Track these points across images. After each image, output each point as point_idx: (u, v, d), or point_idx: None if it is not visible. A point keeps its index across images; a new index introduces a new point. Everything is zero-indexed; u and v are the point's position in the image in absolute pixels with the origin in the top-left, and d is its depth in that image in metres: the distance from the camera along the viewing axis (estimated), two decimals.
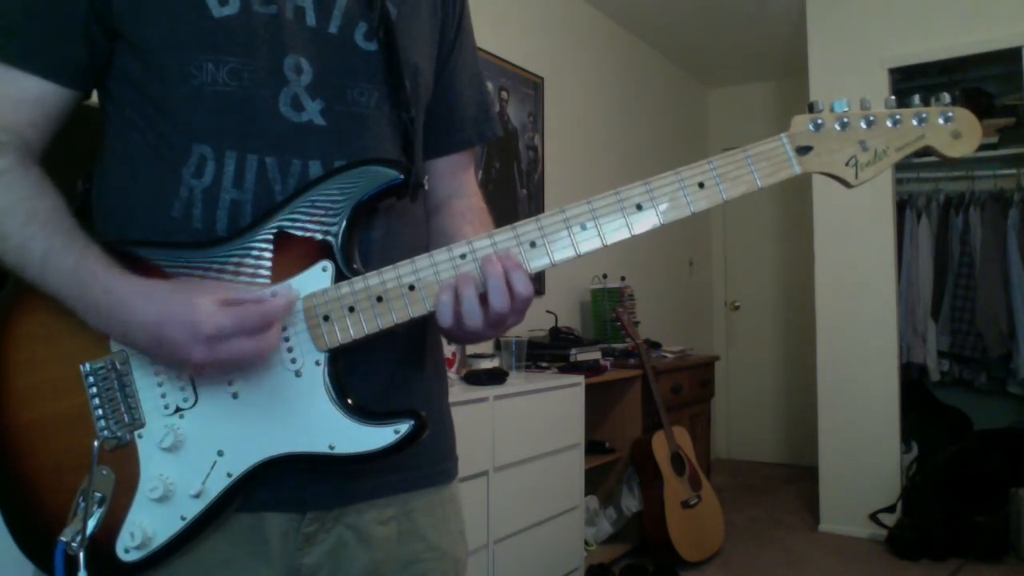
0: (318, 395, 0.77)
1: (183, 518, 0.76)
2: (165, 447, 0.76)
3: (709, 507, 3.47)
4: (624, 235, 0.78)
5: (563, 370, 3.12)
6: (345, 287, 0.78)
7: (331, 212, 0.79)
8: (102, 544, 0.75)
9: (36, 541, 0.78)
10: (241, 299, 0.73)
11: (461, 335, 0.81)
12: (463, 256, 0.78)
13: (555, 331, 3.46)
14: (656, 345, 4.11)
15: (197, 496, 0.76)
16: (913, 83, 4.14)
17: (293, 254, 0.79)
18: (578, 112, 4.14)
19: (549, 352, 3.24)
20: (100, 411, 0.77)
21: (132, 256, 0.77)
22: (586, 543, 3.12)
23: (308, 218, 0.79)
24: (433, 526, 0.93)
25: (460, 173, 1.05)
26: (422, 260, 0.79)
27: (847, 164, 0.78)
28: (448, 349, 2.60)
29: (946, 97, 0.77)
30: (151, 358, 0.76)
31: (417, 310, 0.78)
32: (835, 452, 3.89)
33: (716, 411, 4.83)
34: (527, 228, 0.78)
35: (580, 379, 2.94)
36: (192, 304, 0.71)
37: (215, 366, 0.73)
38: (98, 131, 0.87)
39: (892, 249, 3.79)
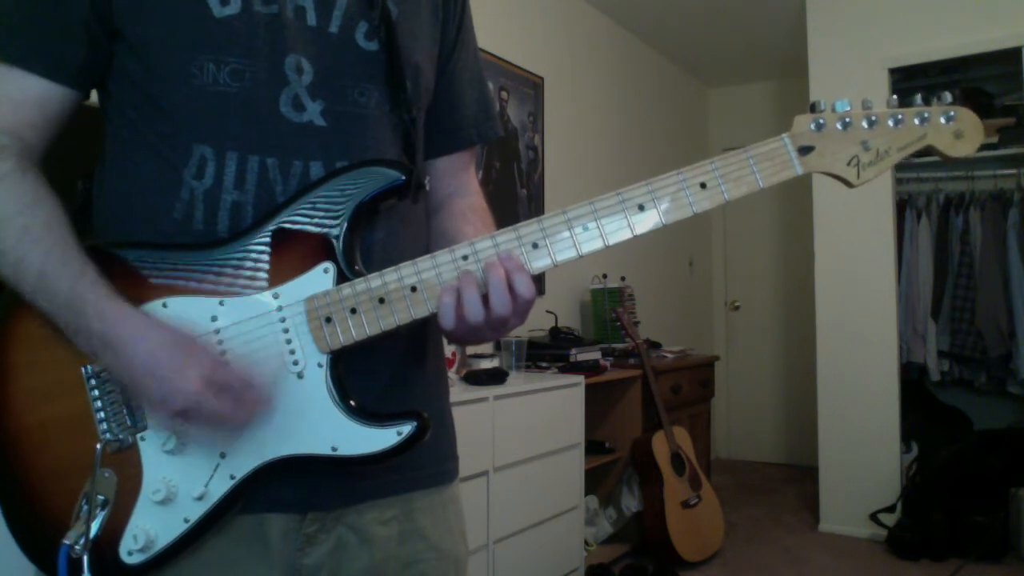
0: (320, 397, 0.77)
1: (186, 520, 0.76)
2: (167, 450, 0.76)
3: (709, 507, 3.47)
4: (626, 236, 0.78)
5: (563, 370, 3.12)
6: (347, 289, 0.78)
7: (332, 213, 0.79)
8: (105, 547, 0.75)
9: (39, 543, 0.77)
10: (228, 385, 0.73)
11: (463, 336, 0.81)
12: (465, 257, 0.78)
13: (555, 331, 3.46)
14: (656, 345, 4.11)
15: (200, 498, 0.76)
16: (913, 83, 4.14)
17: (294, 255, 0.79)
18: (578, 112, 4.14)
19: (549, 352, 3.24)
20: (102, 413, 0.77)
21: (128, 269, 0.77)
22: (586, 543, 3.12)
23: (309, 219, 0.79)
24: (434, 526, 0.93)
25: (461, 172, 1.05)
26: (424, 261, 0.78)
27: (849, 164, 0.78)
28: (448, 349, 2.60)
29: (948, 97, 0.77)
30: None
31: (419, 311, 0.78)
32: (835, 452, 3.89)
33: (716, 411, 4.83)
34: (529, 229, 0.78)
35: (580, 379, 2.94)
36: (179, 372, 0.71)
37: (175, 425, 0.75)
38: (98, 131, 0.87)
39: (892, 249, 3.79)
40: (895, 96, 0.79)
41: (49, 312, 0.74)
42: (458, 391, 2.36)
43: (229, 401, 0.73)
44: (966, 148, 0.77)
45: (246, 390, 0.75)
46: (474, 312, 0.76)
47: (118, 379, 0.76)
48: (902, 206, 4.15)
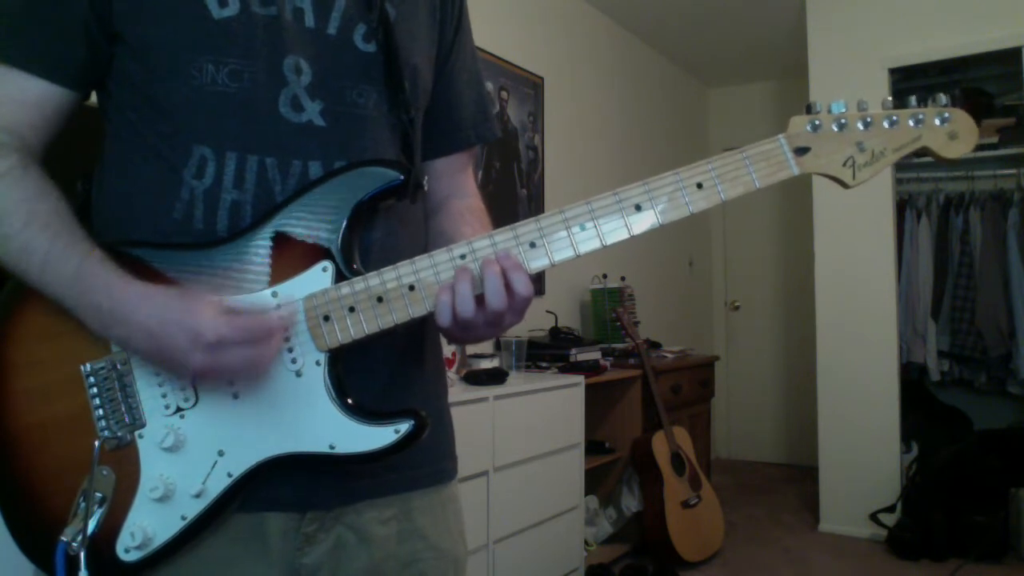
0: (318, 395, 0.77)
1: (183, 518, 0.76)
2: (166, 447, 0.76)
3: (709, 507, 3.47)
4: (623, 235, 0.79)
5: (563, 370, 3.12)
6: (345, 287, 0.78)
7: (331, 213, 0.79)
8: (103, 544, 0.75)
9: (37, 541, 0.78)
10: (243, 308, 0.74)
11: (461, 335, 0.81)
12: (463, 256, 0.79)
13: (555, 331, 3.47)
14: (656, 345, 4.11)
15: (197, 496, 0.76)
16: (913, 83, 4.14)
17: (293, 254, 0.79)
18: (578, 112, 4.15)
19: (549, 352, 3.24)
20: (100, 411, 0.77)
21: (131, 259, 0.78)
22: (586, 543, 3.12)
23: (308, 219, 0.79)
24: (433, 525, 0.93)
25: (459, 173, 1.06)
26: (422, 260, 0.79)
27: (844, 165, 0.78)
28: (448, 349, 2.60)
29: (942, 98, 0.78)
30: (151, 364, 0.77)
31: (417, 310, 0.78)
32: (835, 452, 3.89)
33: (716, 411, 4.83)
34: (527, 228, 0.79)
35: (580, 379, 2.94)
36: (194, 310, 0.71)
37: (214, 374, 0.74)
38: (98, 131, 0.87)
39: (892, 249, 3.79)
40: (891, 98, 0.80)
41: (56, 295, 0.75)
42: (458, 391, 2.36)
43: (245, 343, 0.72)
44: (960, 149, 0.77)
45: (263, 313, 0.74)
46: (465, 303, 0.75)
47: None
48: (902, 206, 4.15)
